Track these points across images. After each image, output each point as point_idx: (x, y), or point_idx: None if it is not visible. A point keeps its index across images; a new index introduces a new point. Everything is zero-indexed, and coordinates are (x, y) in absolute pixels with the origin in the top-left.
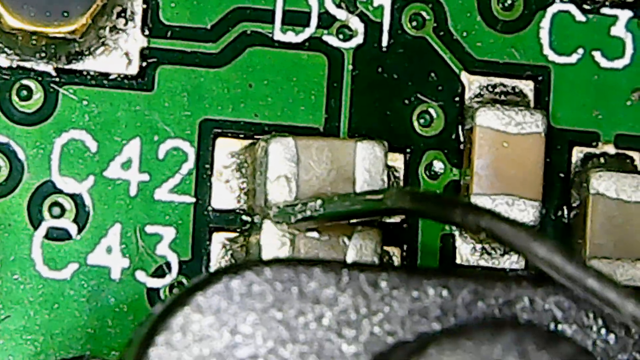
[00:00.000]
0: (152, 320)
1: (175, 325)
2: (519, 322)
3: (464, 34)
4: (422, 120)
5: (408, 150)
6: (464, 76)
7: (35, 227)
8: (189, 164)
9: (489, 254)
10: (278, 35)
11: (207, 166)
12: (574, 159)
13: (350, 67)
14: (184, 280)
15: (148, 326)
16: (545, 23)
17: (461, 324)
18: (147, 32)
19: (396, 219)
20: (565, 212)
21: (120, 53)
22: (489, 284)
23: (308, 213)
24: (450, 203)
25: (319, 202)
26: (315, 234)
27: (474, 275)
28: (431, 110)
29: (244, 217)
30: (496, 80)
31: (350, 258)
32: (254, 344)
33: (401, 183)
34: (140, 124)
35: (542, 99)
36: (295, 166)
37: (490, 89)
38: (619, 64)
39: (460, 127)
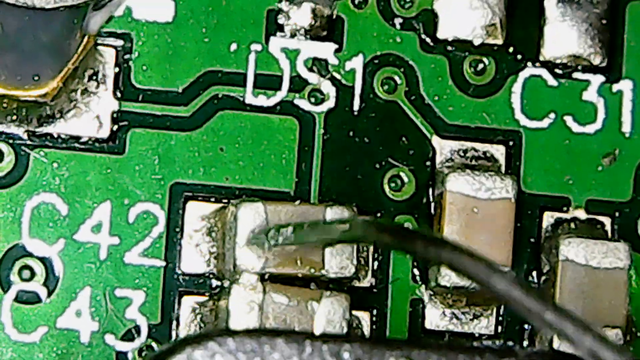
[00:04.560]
0: None
1: None
2: None
3: (436, 98)
4: (392, 185)
5: (379, 214)
6: (435, 140)
7: (5, 290)
8: (159, 228)
9: (459, 319)
10: (249, 99)
11: (178, 230)
12: (544, 224)
13: (322, 130)
14: (153, 344)
15: None
16: (517, 87)
17: None
18: (118, 95)
19: (365, 284)
20: (535, 277)
21: (92, 116)
22: (451, 355)
23: (280, 240)
24: (412, 235)
25: (290, 229)
26: (284, 299)
27: (438, 347)
28: (402, 175)
29: (214, 281)
30: (467, 144)
31: (318, 323)
32: None
33: (371, 248)
34: (111, 187)
35: (514, 163)
36: None
37: (462, 154)
38: (590, 128)
39: (430, 192)
